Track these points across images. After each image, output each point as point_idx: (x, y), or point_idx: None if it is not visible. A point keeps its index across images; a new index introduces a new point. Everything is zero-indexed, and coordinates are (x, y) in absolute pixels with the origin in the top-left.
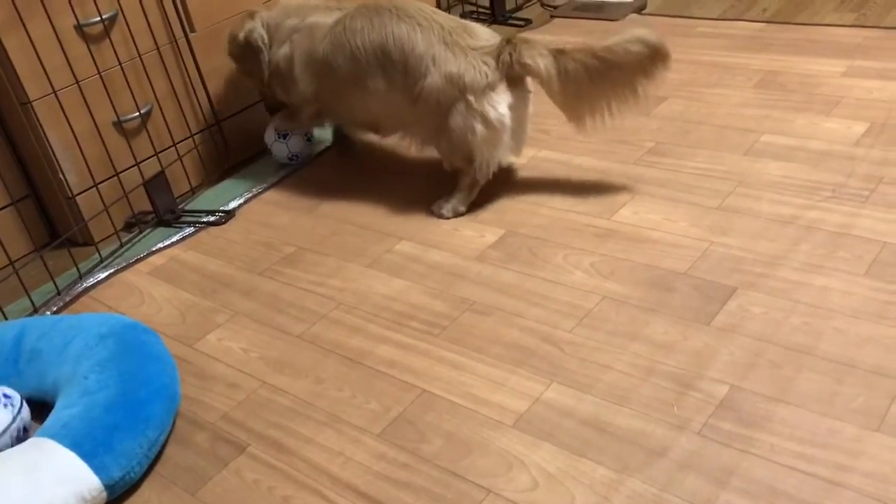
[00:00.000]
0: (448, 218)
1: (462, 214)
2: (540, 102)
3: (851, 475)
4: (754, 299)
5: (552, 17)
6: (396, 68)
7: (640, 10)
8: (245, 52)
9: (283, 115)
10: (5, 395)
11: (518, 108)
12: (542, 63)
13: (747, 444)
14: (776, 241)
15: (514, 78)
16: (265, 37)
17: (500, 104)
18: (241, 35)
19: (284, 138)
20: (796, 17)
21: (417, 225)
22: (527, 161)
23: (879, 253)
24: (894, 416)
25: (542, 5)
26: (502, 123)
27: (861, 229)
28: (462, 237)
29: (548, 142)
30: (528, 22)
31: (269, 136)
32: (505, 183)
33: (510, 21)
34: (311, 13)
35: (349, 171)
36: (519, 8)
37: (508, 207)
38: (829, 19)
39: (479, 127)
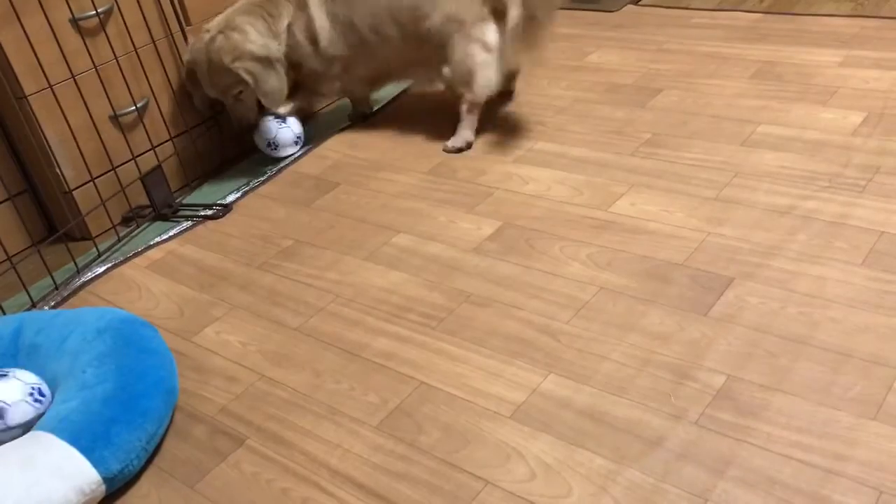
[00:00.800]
0: (461, 149)
1: (471, 145)
2: (534, 94)
3: (848, 464)
4: (751, 289)
5: None
6: (404, 16)
7: (636, 0)
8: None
9: (301, 97)
10: (40, 392)
11: (501, 39)
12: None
13: (744, 433)
14: (773, 231)
15: (497, 13)
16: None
17: (489, 33)
18: (202, 55)
19: (284, 122)
20: (793, 7)
21: (414, 218)
22: (523, 152)
23: (876, 243)
24: (891, 404)
25: None
26: (495, 47)
27: (858, 219)
28: (459, 229)
29: (544, 133)
30: None
31: (267, 132)
32: (501, 175)
33: None
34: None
35: (346, 164)
36: None
37: (505, 199)
38: (826, 9)
39: (477, 51)
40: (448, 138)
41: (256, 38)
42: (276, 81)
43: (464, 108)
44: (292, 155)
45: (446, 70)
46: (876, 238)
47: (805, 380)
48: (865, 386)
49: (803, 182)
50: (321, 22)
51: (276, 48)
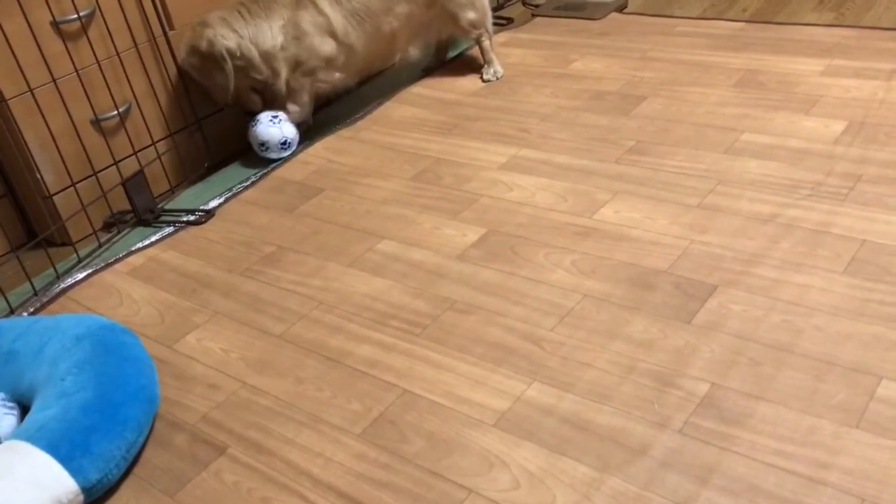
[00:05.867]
0: (496, 79)
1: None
2: (518, 101)
3: (831, 472)
4: (734, 297)
5: (534, 15)
6: None
7: (620, 9)
8: (209, 64)
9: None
10: (7, 404)
11: None
12: None
13: (728, 441)
14: (756, 239)
15: None
16: (231, 46)
17: None
18: (203, 44)
19: (277, 122)
20: (776, 16)
21: (399, 224)
22: (507, 160)
23: (858, 251)
24: (873, 412)
25: (524, 4)
26: None
27: (840, 227)
28: (444, 236)
29: (528, 140)
30: (510, 21)
31: (262, 130)
32: (486, 182)
33: (492, 20)
34: None
35: (330, 170)
36: (501, 7)
37: (489, 206)
38: (808, 19)
39: None
40: (434, 143)
41: (212, 35)
42: (220, 80)
43: (486, 44)
44: (283, 156)
45: (465, 17)
46: (858, 246)
47: (788, 388)
48: (848, 394)
49: (786, 190)
50: (334, 16)
51: (231, 43)
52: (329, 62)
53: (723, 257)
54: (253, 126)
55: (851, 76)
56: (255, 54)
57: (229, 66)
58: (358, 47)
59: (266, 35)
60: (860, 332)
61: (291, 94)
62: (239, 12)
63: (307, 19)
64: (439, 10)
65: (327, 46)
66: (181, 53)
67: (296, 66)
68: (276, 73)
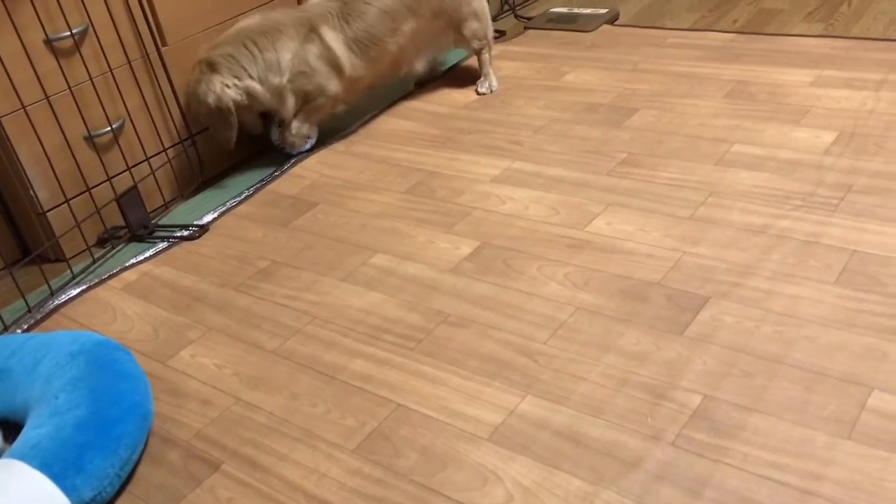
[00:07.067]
0: (491, 92)
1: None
2: (511, 114)
3: (823, 483)
4: (726, 309)
5: (526, 28)
6: (415, 4)
7: (612, 21)
8: (216, 116)
9: (307, 113)
10: None
11: None
12: None
13: (720, 454)
14: (747, 250)
15: None
16: (238, 99)
17: None
18: (210, 99)
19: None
20: (766, 27)
21: (392, 238)
22: (500, 172)
23: (849, 261)
24: (864, 423)
25: (516, 17)
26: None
27: (831, 238)
28: (437, 249)
29: (520, 153)
30: (502, 33)
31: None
32: (479, 195)
33: None
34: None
35: (324, 184)
36: (493, 20)
37: (483, 219)
38: (798, 30)
39: (484, 3)
40: (427, 156)
41: (217, 88)
42: (226, 132)
43: (486, 56)
44: (306, 149)
45: (470, 27)
46: (849, 256)
47: (780, 399)
48: (839, 405)
49: (777, 201)
50: (340, 50)
51: (238, 93)
52: (336, 99)
53: (715, 269)
54: (276, 123)
55: (841, 87)
56: (261, 91)
57: (234, 118)
58: (363, 75)
59: (275, 71)
60: (851, 343)
61: (297, 118)
62: (245, 47)
63: (313, 52)
64: (446, 20)
65: (333, 85)
66: (186, 97)
67: (304, 99)
68: (283, 102)
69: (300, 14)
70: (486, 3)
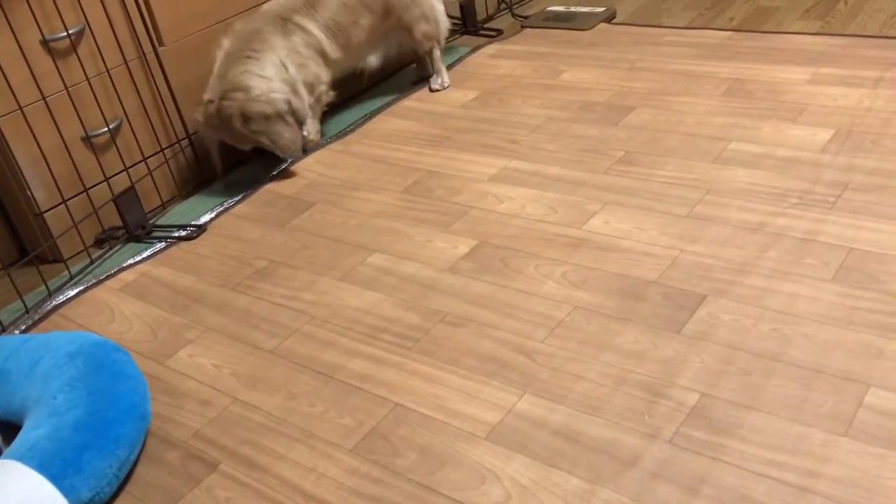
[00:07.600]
0: (443, 88)
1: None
2: (508, 113)
3: (820, 481)
4: (724, 307)
5: (523, 27)
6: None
7: (609, 19)
8: (274, 122)
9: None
10: None
11: None
12: None
13: (718, 451)
14: (745, 248)
15: None
16: (282, 95)
17: None
18: (264, 108)
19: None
20: (762, 25)
21: (390, 237)
22: (497, 171)
23: (846, 259)
24: (861, 420)
25: (513, 16)
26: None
27: (828, 235)
28: (434, 248)
29: (517, 152)
30: (499, 32)
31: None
32: (477, 194)
33: (481, 32)
34: (271, 23)
35: (321, 184)
36: (490, 18)
37: (480, 218)
38: (795, 27)
39: (437, 3)
40: (425, 155)
41: (260, 94)
42: (288, 134)
43: (437, 54)
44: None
45: (420, 30)
46: (845, 254)
47: (778, 397)
48: (837, 402)
49: (774, 199)
50: (320, 35)
51: (281, 93)
52: (328, 86)
53: (712, 267)
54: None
55: (838, 84)
56: (287, 90)
57: (291, 118)
58: (339, 58)
59: (281, 68)
60: (848, 341)
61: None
62: (249, 58)
63: (299, 41)
64: (395, 21)
65: (324, 73)
66: (208, 129)
67: (310, 90)
68: (300, 98)
69: (265, 14)
70: (437, 4)
